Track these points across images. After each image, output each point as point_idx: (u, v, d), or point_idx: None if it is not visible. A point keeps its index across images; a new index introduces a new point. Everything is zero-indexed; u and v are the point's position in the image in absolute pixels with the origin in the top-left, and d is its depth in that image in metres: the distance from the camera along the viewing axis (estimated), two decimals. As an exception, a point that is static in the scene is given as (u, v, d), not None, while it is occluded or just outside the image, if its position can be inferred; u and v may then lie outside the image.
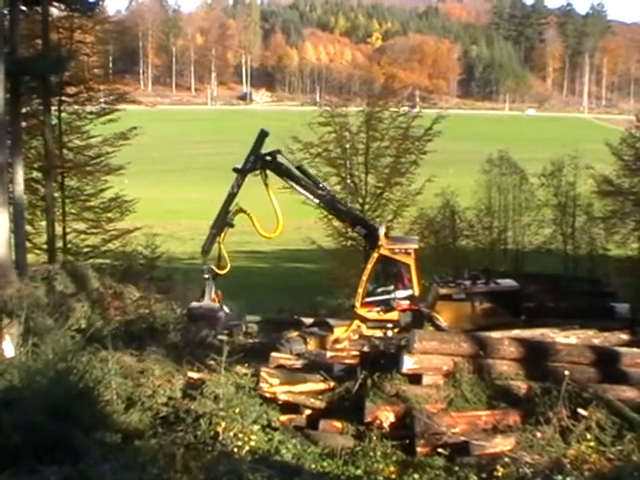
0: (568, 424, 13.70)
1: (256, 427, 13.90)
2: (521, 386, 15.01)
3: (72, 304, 21.65)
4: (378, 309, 26.35)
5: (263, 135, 28.23)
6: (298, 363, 17.84)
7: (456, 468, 13.00)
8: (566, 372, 14.26)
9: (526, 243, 49.14)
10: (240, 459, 12.21)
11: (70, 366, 14.32)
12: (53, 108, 39.78)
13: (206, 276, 28.25)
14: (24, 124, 34.92)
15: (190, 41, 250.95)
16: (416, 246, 28.00)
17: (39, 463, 10.42)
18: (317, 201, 27.86)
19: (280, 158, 27.75)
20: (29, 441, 11.20)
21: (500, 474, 12.29)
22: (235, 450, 12.86)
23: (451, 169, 78.22)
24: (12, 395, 13.07)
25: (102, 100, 45.05)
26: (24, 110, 34.60)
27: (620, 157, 48.90)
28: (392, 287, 26.68)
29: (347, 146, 45.68)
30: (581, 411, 13.82)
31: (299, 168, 28.35)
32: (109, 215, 42.88)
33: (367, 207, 44.65)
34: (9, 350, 18.65)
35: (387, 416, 14.37)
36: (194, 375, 15.85)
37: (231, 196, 27.86)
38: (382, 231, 27.06)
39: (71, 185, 42.70)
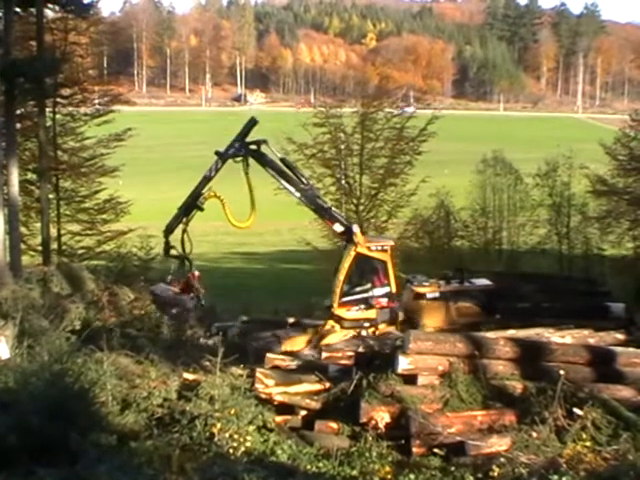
0: (564, 424, 13.73)
1: (251, 428, 13.90)
2: (516, 386, 15.04)
3: (67, 305, 21.62)
4: (357, 308, 26.30)
5: (252, 123, 28.02)
6: (293, 364, 17.84)
7: (452, 468, 13.02)
8: (561, 372, 14.29)
9: (521, 243, 49.13)
10: (236, 460, 12.21)
11: (65, 368, 14.31)
12: (47, 110, 39.74)
13: (173, 256, 27.96)
14: (18, 126, 34.95)
15: (184, 42, 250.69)
16: (392, 243, 28.07)
17: (35, 465, 10.41)
18: (298, 195, 27.55)
19: (265, 149, 27.47)
20: (25, 443, 11.19)
21: (496, 474, 12.31)
22: (231, 451, 12.86)
23: (445, 169, 78.28)
24: (7, 397, 13.05)
25: (96, 102, 45.01)
26: (18, 112, 34.61)
27: (614, 157, 48.92)
28: (369, 285, 26.64)
29: (342, 147, 45.70)
30: (577, 411, 13.84)
31: (283, 161, 27.83)
32: (104, 216, 42.86)
33: (362, 208, 44.69)
34: (4, 352, 18.62)
35: (382, 416, 14.39)
36: (189, 376, 15.84)
37: (206, 179, 27.34)
38: (357, 229, 27.01)
39: (66, 187, 42.67)
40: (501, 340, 16.00)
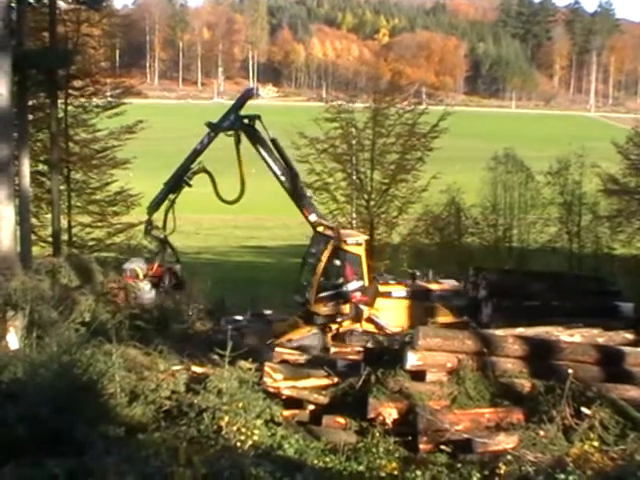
0: (571, 423, 13.69)
1: (259, 422, 13.90)
2: (525, 384, 15.00)
3: (77, 297, 21.66)
4: (332, 303, 26.11)
5: (248, 94, 27.69)
6: (302, 358, 17.85)
7: (459, 465, 12.99)
8: (570, 370, 14.25)
9: (531, 241, 49.02)
10: (243, 453, 12.21)
11: (74, 359, 14.34)
12: (59, 101, 39.83)
13: (155, 236, 27.26)
14: (30, 117, 34.98)
15: (197, 36, 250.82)
16: (367, 237, 27.95)
17: (43, 455, 10.44)
18: (283, 179, 27.19)
19: (258, 125, 27.20)
20: (33, 433, 11.22)
21: (502, 472, 12.28)
22: (238, 444, 12.86)
23: (457, 166, 78.17)
24: (16, 388, 13.09)
25: (108, 94, 45.09)
26: (30, 103, 34.63)
27: (626, 156, 48.87)
28: (341, 280, 26.42)
29: (353, 142, 45.65)
30: (584, 410, 13.80)
31: (274, 142, 27.58)
32: (114, 209, 42.96)
33: (372, 203, 44.67)
34: (13, 342, 18.69)
35: (390, 412, 14.37)
36: (198, 369, 15.86)
37: (196, 152, 26.97)
38: (314, 218, 26.91)
39: (77, 178, 42.81)
40: (510, 338, 15.96)
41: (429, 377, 14.96)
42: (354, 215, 45.65)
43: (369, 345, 19.01)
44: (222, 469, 10.13)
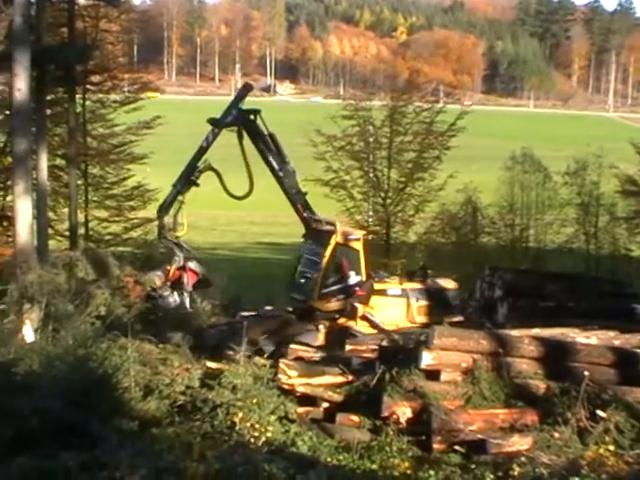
0: (586, 425, 13.65)
1: (273, 418, 13.93)
2: (540, 385, 14.96)
3: (92, 291, 21.70)
4: (336, 299, 25.97)
5: (247, 89, 27.52)
6: (317, 356, 17.85)
7: (472, 466, 12.97)
8: (585, 373, 14.20)
9: (548, 242, 48.81)
10: (256, 450, 12.24)
11: (89, 352, 14.41)
12: (77, 96, 39.95)
13: (167, 241, 26.59)
14: (48, 112, 35.10)
15: (214, 32, 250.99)
16: (364, 233, 27.85)
17: (57, 448, 10.47)
18: (281, 174, 26.97)
19: (257, 120, 27.06)
20: (47, 426, 11.26)
21: (516, 473, 12.25)
22: (251, 441, 12.89)
23: (474, 165, 77.96)
24: (31, 380, 13.14)
25: (126, 89, 45.21)
26: (49, 98, 34.76)
27: (645, 157, 48.61)
28: (341, 276, 26.29)
29: (370, 140, 45.60)
30: (600, 413, 13.75)
31: (272, 137, 27.31)
32: (131, 203, 43.02)
33: (389, 201, 44.62)
34: (29, 335, 18.76)
35: (404, 411, 14.36)
36: (212, 365, 15.88)
37: (202, 150, 26.59)
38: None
39: (94, 173, 42.92)
40: (526, 339, 15.92)
41: (444, 377, 14.94)
42: (370, 213, 45.61)
43: (383, 343, 18.86)
44: (235, 465, 10.15)
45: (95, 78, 42.97)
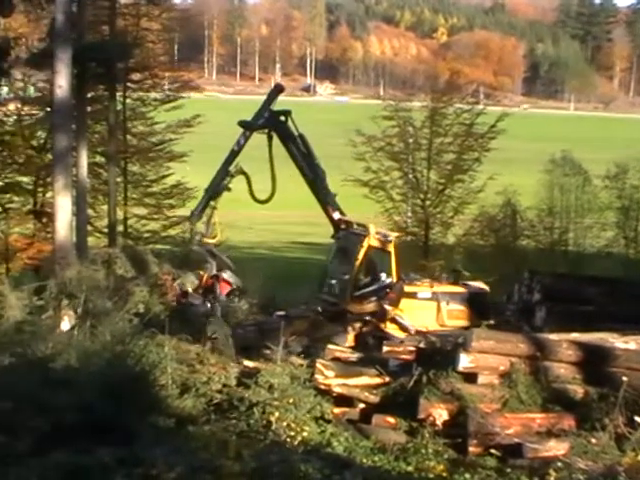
0: (624, 431, 13.53)
1: (309, 418, 13.94)
2: (577, 390, 14.86)
3: (131, 288, 21.80)
4: (368, 301, 25.80)
5: (278, 90, 27.29)
6: (354, 356, 17.84)
7: (508, 470, 12.91)
8: (624, 378, 14.08)
9: (587, 245, 48.42)
10: (292, 449, 12.24)
11: (127, 349, 14.48)
12: (118, 94, 40.18)
13: (198, 249, 26.14)
14: (89, 109, 35.37)
15: (255, 31, 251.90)
16: (396, 234, 27.65)
17: (93, 443, 10.52)
18: (312, 176, 26.81)
19: (289, 121, 26.84)
20: (84, 421, 11.32)
21: (552, 478, 12.16)
22: (287, 440, 12.90)
23: (511, 167, 77.61)
24: (69, 375, 13.23)
25: (166, 87, 45.40)
26: (89, 95, 35.01)
27: (687, 161, 48.08)
28: (370, 278, 26.13)
29: (410, 141, 45.45)
30: (638, 419, 13.64)
31: (301, 137, 27.11)
32: (170, 201, 43.14)
33: (428, 203, 44.47)
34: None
35: (440, 414, 14.32)
36: (249, 363, 15.91)
37: (233, 154, 26.32)
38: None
39: (133, 170, 43.12)
40: (564, 343, 15.80)
41: (481, 379, 14.88)
42: (409, 214, 45.50)
43: (421, 345, 18.79)
44: (271, 464, 10.15)
45: (136, 76, 43.18)
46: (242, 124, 26.68)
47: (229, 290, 26.12)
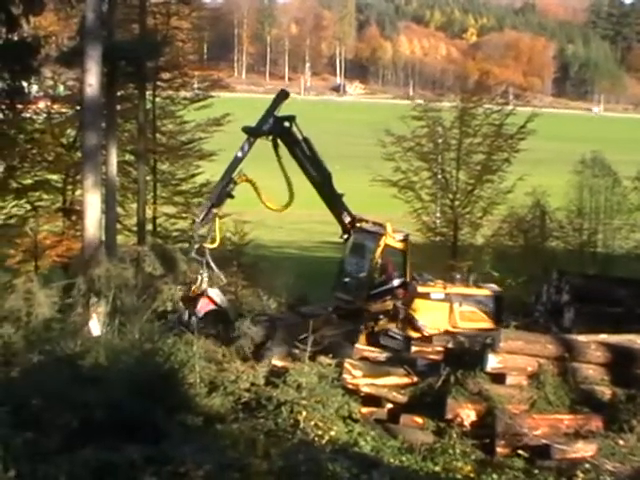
0: (652, 433, 13.47)
1: (337, 417, 13.95)
2: (605, 392, 14.81)
3: (160, 286, 21.86)
4: (383, 300, 25.69)
5: (283, 96, 27.13)
6: (382, 356, 17.84)
7: (536, 471, 12.90)
8: (653, 380, 14.03)
9: (616, 247, 48.15)
10: (320, 448, 12.25)
11: (156, 347, 14.53)
12: (148, 92, 40.27)
13: (197, 257, 25.35)
14: (119, 107, 35.45)
15: (285, 31, 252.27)
16: (408, 232, 27.68)
17: (120, 440, 10.57)
18: (319, 179, 26.57)
19: (294, 126, 26.71)
20: (112, 418, 11.37)
21: (580, 480, 12.14)
22: (315, 439, 12.92)
23: (541, 168, 77.26)
24: (97, 372, 13.29)
25: (196, 86, 45.46)
26: (119, 93, 35.12)
27: None
28: (384, 277, 26.03)
29: (439, 141, 45.32)
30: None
31: (306, 141, 26.82)
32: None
33: (457, 203, 44.33)
34: (95, 329, 19.00)
35: (468, 414, 14.32)
36: (278, 363, 15.95)
37: (237, 161, 25.98)
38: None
39: (163, 169, 43.15)
40: (592, 344, 15.74)
41: (509, 380, 14.86)
42: (438, 214, 45.36)
43: (449, 346, 18.74)
44: (299, 463, 10.16)
45: (165, 75, 43.22)
46: (246, 130, 26.37)
47: (209, 309, 25.20)
